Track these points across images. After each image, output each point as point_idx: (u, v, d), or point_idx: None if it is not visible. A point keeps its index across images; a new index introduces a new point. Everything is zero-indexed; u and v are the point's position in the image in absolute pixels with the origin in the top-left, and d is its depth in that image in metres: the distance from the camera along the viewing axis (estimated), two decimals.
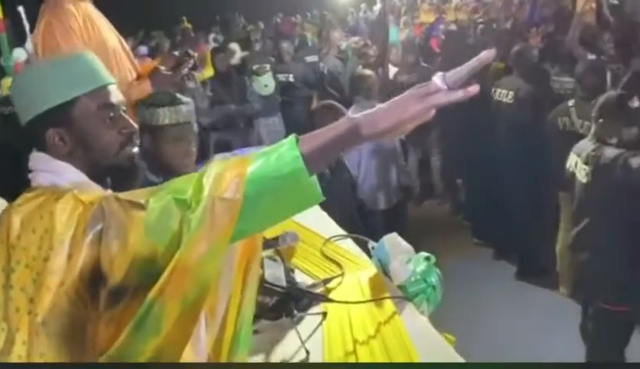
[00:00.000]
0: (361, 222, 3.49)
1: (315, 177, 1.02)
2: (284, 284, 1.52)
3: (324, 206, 2.23)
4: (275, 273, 1.53)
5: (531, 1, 5.82)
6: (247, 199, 0.99)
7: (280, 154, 1.00)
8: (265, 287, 1.48)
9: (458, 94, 1.02)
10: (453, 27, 6.35)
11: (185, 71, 2.54)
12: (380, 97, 4.30)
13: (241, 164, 1.01)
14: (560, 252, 4.01)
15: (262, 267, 1.56)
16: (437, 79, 1.04)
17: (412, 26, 7.47)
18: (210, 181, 1.00)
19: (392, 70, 5.78)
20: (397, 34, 7.36)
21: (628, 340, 2.94)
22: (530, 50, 4.48)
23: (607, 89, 4.08)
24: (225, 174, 1.00)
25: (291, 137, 1.02)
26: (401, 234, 4.39)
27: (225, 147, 5.26)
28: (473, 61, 1.03)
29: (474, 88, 1.02)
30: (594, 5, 5.09)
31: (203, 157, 2.66)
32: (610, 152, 2.76)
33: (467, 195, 5.56)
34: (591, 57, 4.52)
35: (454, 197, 5.75)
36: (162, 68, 2.40)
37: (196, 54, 2.65)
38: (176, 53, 2.62)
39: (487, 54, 1.04)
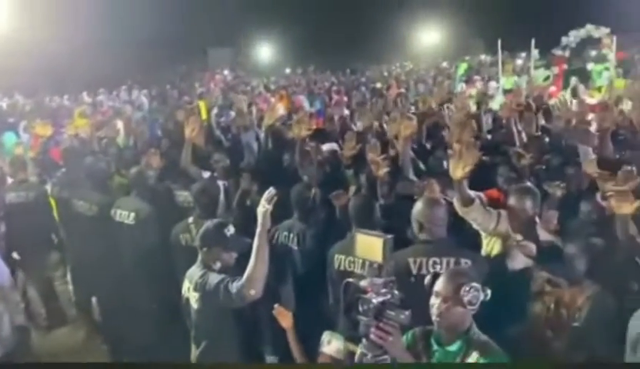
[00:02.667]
0: None
1: None
2: None
3: None
4: None
5: (150, 120, 6.18)
6: None
7: None
8: None
9: None
10: (75, 141, 6.18)
11: None
12: None
13: None
14: None
15: None
16: None
17: (32, 135, 6.94)
18: None
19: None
20: (13, 141, 6.70)
21: None
22: (147, 170, 4.62)
23: (220, 207, 4.56)
24: None
25: None
26: None
27: None
28: None
29: None
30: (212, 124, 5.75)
31: None
32: (214, 278, 2.98)
33: (102, 316, 5.26)
34: (206, 174, 4.98)
35: (89, 320, 5.35)
36: None
37: None
38: None
39: None
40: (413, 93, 11.62)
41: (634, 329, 2.20)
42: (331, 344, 2.88)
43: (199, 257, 3.15)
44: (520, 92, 6.05)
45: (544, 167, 4.17)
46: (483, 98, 5.70)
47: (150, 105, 11.28)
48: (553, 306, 2.89)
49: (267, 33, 29.03)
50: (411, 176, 4.06)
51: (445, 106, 5.40)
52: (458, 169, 3.05)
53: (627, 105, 6.72)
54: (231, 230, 3.14)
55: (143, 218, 4.32)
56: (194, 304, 3.07)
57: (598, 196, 3.42)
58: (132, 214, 4.35)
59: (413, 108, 6.83)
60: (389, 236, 2.16)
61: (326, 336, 2.95)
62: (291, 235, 3.93)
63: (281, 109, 9.15)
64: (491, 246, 3.30)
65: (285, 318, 3.12)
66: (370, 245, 2.16)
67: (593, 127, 4.09)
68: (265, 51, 29.76)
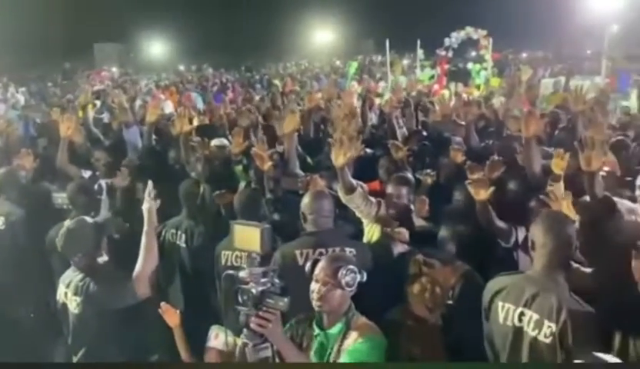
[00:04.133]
0: None
1: None
2: None
3: None
4: None
5: (25, 119, 5.72)
6: None
7: None
8: None
9: None
10: None
11: None
12: None
13: None
14: None
15: None
16: None
17: None
18: None
19: None
20: None
21: None
22: (19, 171, 4.30)
23: (104, 206, 4.33)
24: None
25: None
26: None
27: None
28: None
29: None
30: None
31: None
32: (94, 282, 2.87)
33: None
34: (87, 174, 4.73)
35: None
36: None
37: None
38: None
39: None
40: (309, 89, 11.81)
41: (485, 299, 2.45)
42: (218, 338, 2.87)
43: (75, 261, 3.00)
44: (399, 89, 6.38)
45: (420, 158, 4.44)
46: (367, 95, 5.95)
47: (27, 103, 10.46)
48: (429, 286, 3.06)
49: (159, 29, 28.10)
50: (298, 171, 4.12)
51: (333, 102, 5.55)
52: (340, 156, 3.15)
53: (500, 101, 7.33)
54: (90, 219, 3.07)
55: (13, 222, 4.02)
56: (73, 309, 2.92)
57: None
58: (1, 218, 4.03)
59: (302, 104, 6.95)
60: (267, 225, 2.19)
61: (213, 330, 2.93)
62: (179, 232, 3.84)
63: (169, 106, 8.93)
64: (371, 233, 3.45)
65: (172, 316, 3.05)
66: (248, 235, 2.17)
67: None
68: (156, 48, 28.76)
